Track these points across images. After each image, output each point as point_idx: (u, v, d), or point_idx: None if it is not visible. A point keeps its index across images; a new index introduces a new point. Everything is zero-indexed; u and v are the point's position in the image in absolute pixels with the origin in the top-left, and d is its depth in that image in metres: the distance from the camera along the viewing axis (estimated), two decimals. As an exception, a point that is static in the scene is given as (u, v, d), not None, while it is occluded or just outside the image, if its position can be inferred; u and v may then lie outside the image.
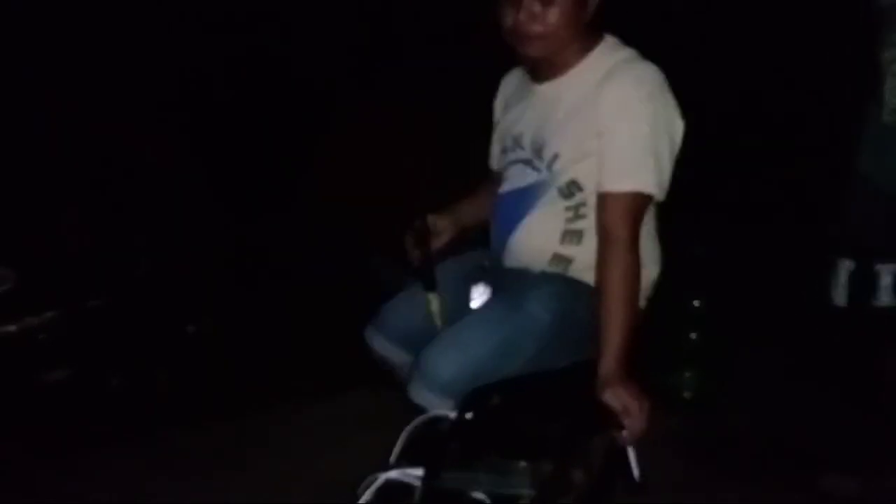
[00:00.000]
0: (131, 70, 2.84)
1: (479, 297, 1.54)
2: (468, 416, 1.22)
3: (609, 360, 1.31)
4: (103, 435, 1.95)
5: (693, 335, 2.17)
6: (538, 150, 1.45)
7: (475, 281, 1.55)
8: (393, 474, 1.08)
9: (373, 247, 2.71)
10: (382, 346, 1.54)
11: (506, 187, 1.53)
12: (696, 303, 2.18)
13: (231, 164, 3.06)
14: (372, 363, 1.59)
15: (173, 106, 2.99)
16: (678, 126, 1.38)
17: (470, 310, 1.50)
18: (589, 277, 1.41)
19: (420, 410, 1.37)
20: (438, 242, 1.55)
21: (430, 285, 1.48)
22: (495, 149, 1.61)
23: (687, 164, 1.42)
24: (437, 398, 1.34)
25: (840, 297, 1.66)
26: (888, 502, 1.69)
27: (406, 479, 1.08)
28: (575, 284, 1.43)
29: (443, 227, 1.57)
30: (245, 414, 2.06)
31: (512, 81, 1.59)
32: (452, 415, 1.24)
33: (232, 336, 2.48)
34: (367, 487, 1.09)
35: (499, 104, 1.61)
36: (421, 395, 1.36)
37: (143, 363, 2.33)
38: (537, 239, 1.45)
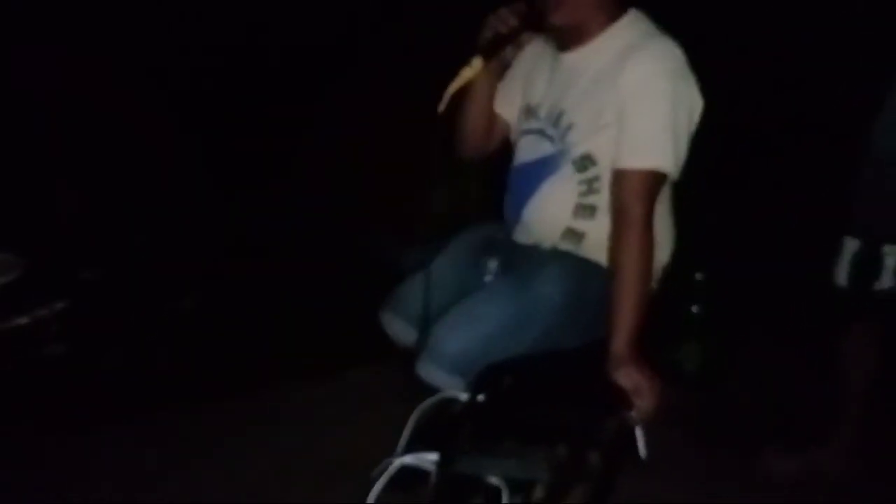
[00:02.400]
0: (124, 48, 2.77)
1: (491, 271, 1.52)
2: (480, 398, 1.21)
3: (621, 340, 1.30)
4: (103, 413, 1.94)
5: (695, 308, 2.17)
6: (555, 120, 1.42)
7: (488, 254, 1.53)
8: (408, 459, 1.07)
9: (375, 223, 2.69)
10: (398, 327, 1.52)
11: (519, 159, 1.51)
12: (698, 276, 2.17)
13: (229, 139, 3.01)
14: (376, 340, 1.57)
15: (166, 82, 2.92)
16: (697, 105, 1.36)
17: (482, 284, 1.49)
18: (601, 255, 1.40)
19: (427, 389, 1.36)
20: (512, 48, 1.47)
21: (488, 53, 1.39)
22: (506, 94, 1.54)
23: (696, 137, 1.40)
24: (446, 375, 1.33)
25: (842, 277, 1.64)
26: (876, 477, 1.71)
27: (421, 464, 1.07)
28: (586, 263, 1.42)
29: (521, 46, 1.49)
30: (247, 392, 2.05)
31: (538, 45, 1.53)
32: (464, 396, 1.23)
33: (231, 312, 2.45)
34: (382, 472, 1.07)
35: (522, 61, 1.54)
36: (429, 371, 1.35)
37: (141, 339, 2.31)
38: (549, 212, 1.43)
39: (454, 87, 1.35)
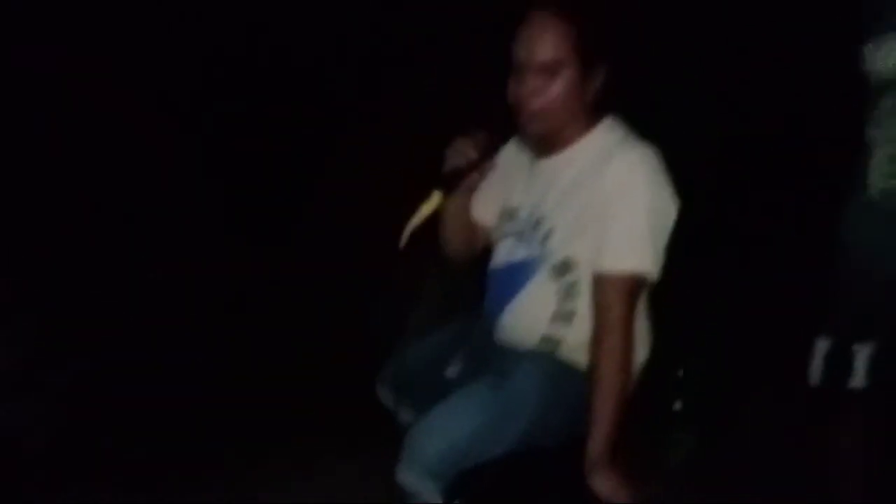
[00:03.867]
0: (134, 81, 2.81)
1: (458, 363, 1.53)
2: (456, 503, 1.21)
3: (598, 444, 1.31)
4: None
5: (678, 404, 2.18)
6: (534, 225, 1.45)
7: (466, 350, 1.55)
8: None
9: (376, 289, 2.67)
10: (392, 399, 1.54)
11: (498, 261, 1.53)
12: (681, 371, 2.19)
13: (232, 196, 3.02)
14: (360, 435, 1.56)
15: (173, 137, 2.96)
16: (673, 208, 1.40)
17: (452, 380, 1.50)
18: (579, 358, 1.41)
19: (406, 491, 1.36)
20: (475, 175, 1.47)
21: (448, 187, 1.39)
22: (485, 197, 1.56)
23: (675, 234, 1.44)
24: (422, 481, 1.33)
25: (815, 375, 1.66)
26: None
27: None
28: (563, 366, 1.43)
29: (486, 173, 1.48)
30: (211, 485, 2.00)
31: (518, 147, 1.56)
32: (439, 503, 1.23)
33: (201, 394, 2.38)
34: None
35: (503, 159, 1.55)
36: (407, 476, 1.34)
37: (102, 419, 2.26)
38: (527, 319, 1.45)
39: (414, 222, 1.36)
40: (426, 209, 1.37)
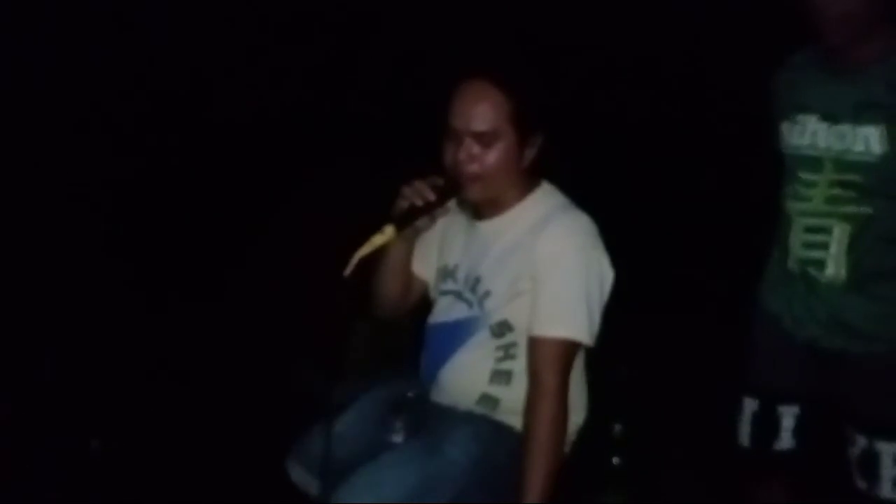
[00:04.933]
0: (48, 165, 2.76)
1: (397, 431, 1.51)
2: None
3: (528, 510, 1.31)
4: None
5: (615, 459, 2.19)
6: (472, 286, 1.47)
7: (397, 413, 1.53)
8: None
9: (302, 353, 2.64)
10: (301, 477, 1.50)
11: (436, 318, 1.54)
12: (617, 427, 2.21)
13: (150, 258, 2.97)
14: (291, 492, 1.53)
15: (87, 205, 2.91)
16: (608, 275, 1.43)
17: (389, 442, 1.48)
18: (515, 420, 1.42)
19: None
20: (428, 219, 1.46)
21: (401, 223, 1.39)
22: (420, 253, 1.58)
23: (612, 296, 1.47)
24: None
25: (744, 436, 1.70)
26: None
27: None
28: (499, 427, 1.43)
29: (436, 219, 1.48)
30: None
31: (453, 208, 1.58)
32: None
33: (137, 454, 2.33)
34: None
35: (439, 223, 1.58)
36: None
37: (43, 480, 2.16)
38: (466, 377, 1.46)
39: (363, 252, 1.35)
40: (378, 240, 1.36)
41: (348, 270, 1.34)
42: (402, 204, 1.41)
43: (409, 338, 1.71)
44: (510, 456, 1.36)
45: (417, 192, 1.41)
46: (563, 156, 1.54)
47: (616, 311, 1.50)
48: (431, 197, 1.40)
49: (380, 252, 1.41)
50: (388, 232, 1.38)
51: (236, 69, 3.26)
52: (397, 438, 1.50)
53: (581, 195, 1.52)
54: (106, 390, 2.54)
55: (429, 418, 1.49)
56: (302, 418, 1.59)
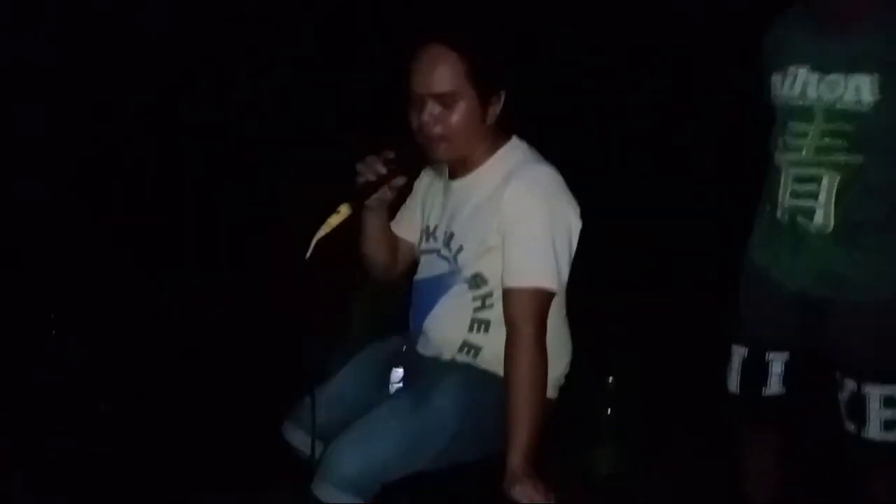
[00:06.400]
0: (51, 127, 2.77)
1: (396, 382, 1.54)
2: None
3: (516, 456, 1.33)
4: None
5: (608, 412, 2.22)
6: (447, 242, 1.50)
7: (393, 366, 1.56)
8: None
9: (303, 324, 2.68)
10: (297, 438, 1.52)
11: (420, 275, 1.57)
12: (610, 380, 2.23)
13: (157, 233, 3.01)
14: (289, 457, 1.56)
15: (96, 169, 2.93)
16: (576, 226, 1.45)
17: (386, 396, 1.50)
18: (498, 367, 1.44)
19: None
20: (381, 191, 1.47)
21: (356, 200, 1.40)
22: (405, 217, 1.62)
23: (601, 243, 1.48)
24: (343, 495, 1.32)
25: (733, 383, 1.72)
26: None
27: None
28: (483, 375, 1.46)
29: (395, 189, 1.49)
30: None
31: (433, 170, 1.62)
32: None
33: (146, 418, 2.39)
34: None
35: (421, 185, 1.63)
36: (326, 491, 1.34)
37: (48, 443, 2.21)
38: (447, 326, 1.49)
39: (320, 234, 1.37)
40: (333, 220, 1.37)
41: (308, 254, 1.36)
42: (358, 180, 1.43)
43: (404, 299, 1.73)
44: (496, 401, 1.38)
45: (369, 167, 1.42)
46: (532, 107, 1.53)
47: (606, 269, 1.51)
48: (383, 170, 1.42)
49: (340, 230, 1.41)
50: (343, 211, 1.39)
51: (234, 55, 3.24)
52: (394, 388, 1.53)
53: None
54: (115, 358, 2.59)
55: (418, 370, 1.51)
56: (300, 384, 1.62)
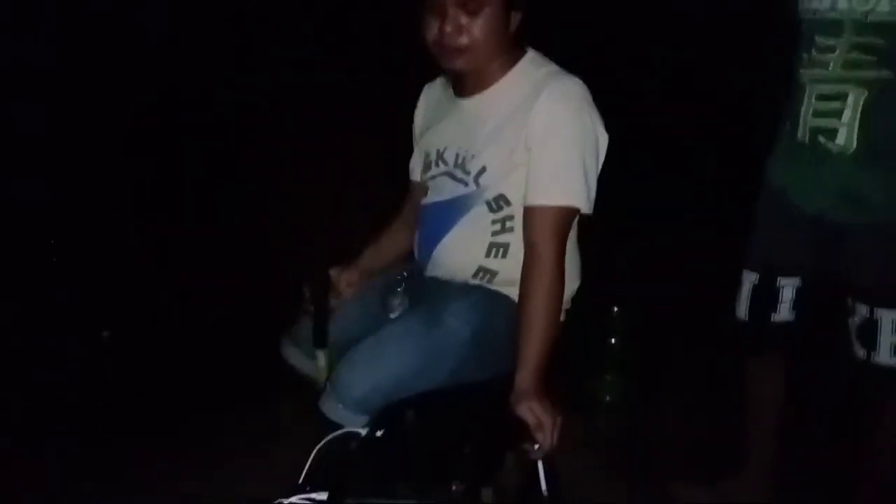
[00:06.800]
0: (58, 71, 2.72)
1: (397, 307, 1.51)
2: (379, 433, 1.19)
3: (526, 374, 1.30)
4: (5, 449, 1.87)
5: (613, 341, 2.22)
6: (463, 164, 1.43)
7: (395, 290, 1.53)
8: (294, 500, 1.05)
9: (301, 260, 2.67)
10: (297, 358, 1.50)
11: (430, 198, 1.50)
12: (615, 309, 2.22)
13: (157, 166, 2.98)
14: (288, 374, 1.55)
15: (99, 107, 2.88)
16: (603, 140, 1.38)
17: (388, 320, 1.48)
18: (511, 291, 1.40)
19: (335, 425, 1.34)
20: (341, 295, 1.52)
21: (321, 341, 1.43)
22: (416, 161, 1.59)
23: (609, 172, 1.44)
24: (351, 414, 1.31)
25: (742, 309, 1.69)
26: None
27: (311, 504, 1.05)
28: (496, 296, 1.42)
29: (347, 281, 1.52)
30: (156, 428, 2.00)
31: (433, 94, 1.55)
32: (364, 432, 1.21)
33: (147, 345, 2.39)
34: (270, 512, 1.05)
35: (419, 117, 1.58)
36: (334, 410, 1.32)
37: (54, 372, 2.23)
38: (463, 251, 1.43)
39: (321, 380, 1.40)
40: (321, 364, 1.42)
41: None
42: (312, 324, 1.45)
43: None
44: (507, 323, 1.35)
45: (306, 305, 1.47)
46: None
47: (615, 198, 1.47)
48: (310, 301, 1.47)
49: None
50: (321, 355, 1.42)
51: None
52: (395, 315, 1.49)
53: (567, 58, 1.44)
54: (115, 288, 2.59)
55: (426, 292, 1.48)
56: (299, 307, 1.60)
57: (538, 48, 1.45)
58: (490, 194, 1.40)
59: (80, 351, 2.35)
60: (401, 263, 1.57)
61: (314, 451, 1.21)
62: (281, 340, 1.52)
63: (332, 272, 1.51)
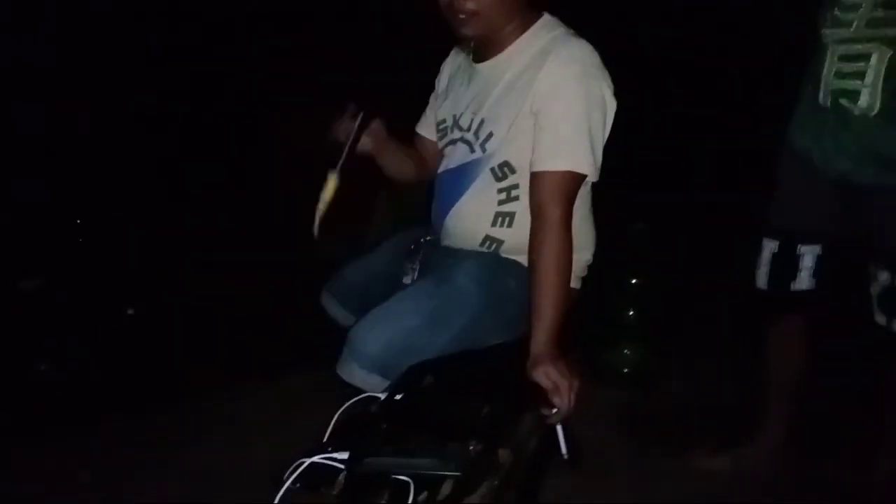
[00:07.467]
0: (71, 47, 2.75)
1: (410, 271, 1.54)
2: (398, 396, 1.21)
3: (540, 339, 1.31)
4: (37, 422, 1.92)
5: (631, 312, 2.21)
6: (475, 130, 1.44)
7: (410, 256, 1.55)
8: (317, 459, 1.07)
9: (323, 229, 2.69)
10: (336, 309, 1.54)
11: (444, 166, 1.52)
12: (633, 280, 2.21)
13: (175, 139, 3.00)
14: (310, 344, 1.58)
15: (114, 86, 2.91)
16: (611, 105, 1.37)
17: (401, 286, 1.50)
18: (519, 256, 1.42)
19: (355, 391, 1.37)
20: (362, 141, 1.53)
21: (340, 166, 1.45)
22: (429, 117, 1.60)
23: (625, 141, 1.43)
24: (367, 374, 1.33)
25: (762, 278, 1.68)
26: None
27: (331, 463, 1.07)
28: (506, 261, 1.44)
29: (375, 133, 1.54)
30: (182, 398, 2.04)
31: (455, 60, 1.57)
32: (383, 396, 1.23)
33: (171, 319, 2.43)
34: (294, 472, 1.08)
35: (442, 79, 1.59)
36: (351, 371, 1.34)
37: (80, 347, 2.28)
38: (469, 221, 1.45)
39: (320, 211, 1.40)
40: (327, 195, 1.41)
41: (316, 231, 1.40)
42: (336, 143, 1.46)
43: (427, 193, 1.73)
44: (518, 284, 1.37)
45: (339, 130, 1.47)
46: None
47: (633, 166, 1.46)
48: (351, 126, 1.46)
49: (337, 198, 1.43)
50: (332, 180, 1.42)
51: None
52: (409, 279, 1.52)
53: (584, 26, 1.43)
54: (140, 266, 2.63)
55: (438, 259, 1.50)
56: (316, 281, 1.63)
57: (558, 13, 1.44)
58: (495, 161, 1.41)
59: (106, 328, 2.40)
60: (404, 173, 1.61)
61: (336, 415, 1.24)
62: (322, 292, 1.57)
63: (374, 120, 1.53)
